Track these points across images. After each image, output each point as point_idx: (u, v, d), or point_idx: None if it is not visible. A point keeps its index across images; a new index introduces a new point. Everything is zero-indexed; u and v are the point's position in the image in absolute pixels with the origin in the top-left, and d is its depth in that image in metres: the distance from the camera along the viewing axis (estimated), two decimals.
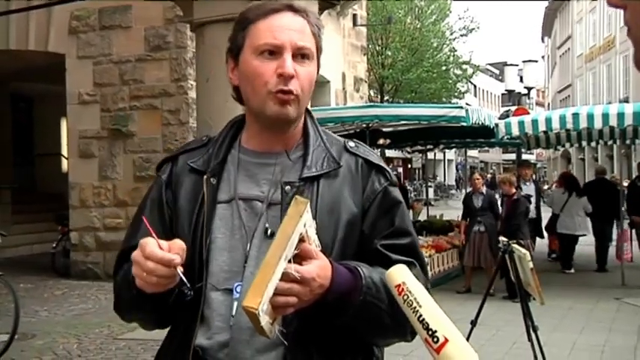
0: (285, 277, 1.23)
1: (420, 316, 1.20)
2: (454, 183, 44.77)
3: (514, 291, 8.16)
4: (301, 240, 1.26)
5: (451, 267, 10.84)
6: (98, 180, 10.98)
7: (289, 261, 1.24)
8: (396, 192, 1.56)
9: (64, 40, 11.14)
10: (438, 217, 13.90)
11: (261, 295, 1.18)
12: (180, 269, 1.30)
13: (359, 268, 1.38)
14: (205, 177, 1.51)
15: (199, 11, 4.03)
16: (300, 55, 1.45)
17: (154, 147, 10.51)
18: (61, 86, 11.29)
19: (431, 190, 29.92)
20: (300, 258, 1.27)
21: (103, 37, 10.88)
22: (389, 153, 22.54)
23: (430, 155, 26.61)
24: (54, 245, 11.60)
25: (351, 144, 1.57)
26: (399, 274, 1.27)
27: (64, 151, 13.34)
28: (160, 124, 10.48)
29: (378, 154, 1.64)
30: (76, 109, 11.13)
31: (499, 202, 9.19)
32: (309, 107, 1.58)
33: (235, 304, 1.40)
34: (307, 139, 1.53)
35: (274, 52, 1.44)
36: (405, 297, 1.23)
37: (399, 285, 1.25)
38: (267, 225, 1.45)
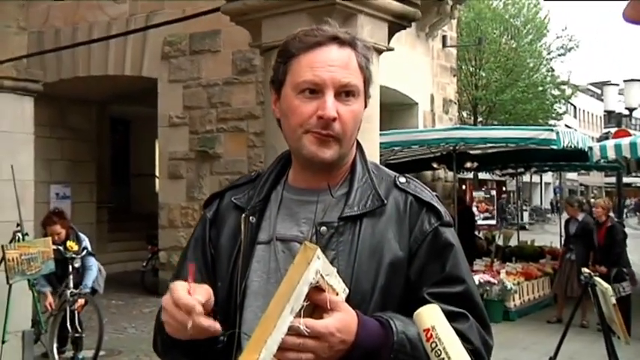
0: (295, 331, 1.12)
1: None
2: (550, 207, 43.07)
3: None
4: (319, 290, 1.14)
5: (542, 295, 10.35)
6: (186, 200, 11.26)
7: (299, 314, 1.12)
8: (448, 233, 1.40)
9: (157, 64, 11.57)
10: (529, 242, 13.36)
11: (258, 351, 1.07)
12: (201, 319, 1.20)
13: (391, 322, 1.24)
14: (244, 215, 1.43)
15: (267, 35, 4.03)
16: (344, 92, 1.35)
17: (239, 168, 10.67)
18: (155, 109, 11.71)
19: (526, 214, 28.91)
20: (321, 310, 1.15)
21: (193, 61, 11.21)
22: (482, 175, 21.98)
23: (526, 178, 25.74)
24: (144, 264, 12.00)
25: (402, 179, 1.44)
26: (429, 316, 1.13)
27: (157, 172, 13.81)
28: (246, 146, 10.64)
29: (431, 192, 1.47)
30: (166, 132, 11.51)
31: (594, 230, 8.62)
32: (359, 140, 1.47)
33: None
34: (354, 174, 1.42)
35: (315, 90, 1.34)
36: (434, 345, 1.09)
37: (428, 329, 1.11)
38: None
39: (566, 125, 27.88)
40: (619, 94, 18.82)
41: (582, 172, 31.59)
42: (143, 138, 16.45)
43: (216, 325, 1.21)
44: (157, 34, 10.85)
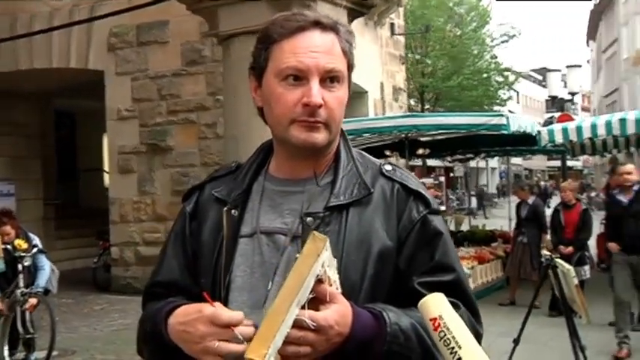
0: (298, 324, 1.08)
1: (460, 359, 1.03)
2: (496, 191, 43.98)
3: (556, 305, 7.87)
4: (319, 281, 1.11)
5: (495, 278, 10.56)
6: (137, 195, 11.06)
7: (303, 306, 1.09)
8: (437, 221, 1.37)
9: (103, 56, 11.30)
10: (480, 227, 13.61)
11: (267, 345, 1.04)
12: None
13: (384, 313, 1.22)
14: (225, 209, 1.38)
15: (225, 24, 3.97)
16: (328, 78, 1.31)
17: (191, 161, 10.54)
18: (102, 102, 11.44)
19: (474, 199, 29.45)
20: (317, 301, 1.12)
21: (140, 53, 10.99)
22: (430, 162, 22.28)
23: (472, 164, 26.23)
24: (95, 260, 11.75)
25: (388, 167, 1.40)
26: (436, 305, 1.10)
27: (106, 166, 13.52)
28: (197, 138, 10.51)
29: (419, 180, 1.45)
30: (115, 125, 11.26)
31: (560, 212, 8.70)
32: (342, 128, 1.42)
33: None
34: (338, 163, 1.38)
35: (299, 77, 1.29)
36: (442, 334, 1.06)
37: (435, 319, 1.08)
38: (297, 255, 1.29)
39: (510, 111, 28.42)
40: (561, 80, 19.31)
41: (527, 156, 32.32)
42: (90, 132, 16.03)
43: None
44: (102, 26, 10.58)
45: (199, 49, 10.46)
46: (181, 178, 10.60)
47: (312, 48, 1.30)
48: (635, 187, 6.83)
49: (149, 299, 1.45)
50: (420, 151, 11.96)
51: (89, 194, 16.01)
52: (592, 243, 8.92)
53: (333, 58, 1.31)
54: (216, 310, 1.17)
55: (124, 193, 11.16)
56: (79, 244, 13.91)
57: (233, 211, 1.38)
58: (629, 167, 7.01)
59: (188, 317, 1.21)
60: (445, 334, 1.06)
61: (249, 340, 1.11)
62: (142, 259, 10.95)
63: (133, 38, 11.07)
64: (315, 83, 1.28)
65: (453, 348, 1.05)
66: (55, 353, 6.66)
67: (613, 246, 6.89)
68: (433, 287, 1.27)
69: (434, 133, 11.28)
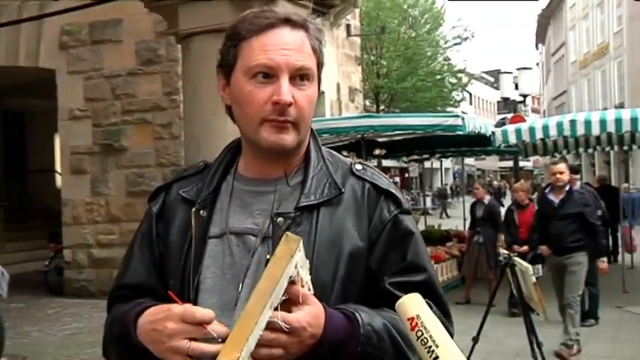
0: (270, 326, 1.07)
1: (436, 358, 1.04)
2: (450, 191, 44.67)
3: (514, 304, 8.01)
4: (292, 282, 1.09)
5: (450, 278, 10.70)
6: (91, 196, 10.84)
7: (276, 308, 1.07)
8: (408, 221, 1.37)
9: (54, 55, 11.03)
10: (436, 227, 13.78)
11: (239, 349, 1.02)
12: None
13: (357, 314, 1.21)
14: (194, 209, 1.36)
15: (184, 22, 3.91)
16: (298, 76, 1.29)
17: (146, 161, 10.39)
18: (53, 101, 11.17)
19: (428, 199, 29.83)
20: (289, 303, 1.10)
21: (94, 51, 10.77)
22: (385, 162, 22.48)
23: (427, 164, 26.54)
24: (46, 263, 11.45)
25: (358, 166, 1.40)
26: (413, 305, 1.10)
27: (58, 167, 13.21)
28: (153, 139, 10.36)
29: (388, 179, 1.44)
30: (67, 125, 11.01)
31: (514, 212, 8.79)
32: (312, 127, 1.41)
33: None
34: (308, 162, 1.37)
35: (269, 74, 1.27)
36: (419, 334, 1.06)
37: (413, 318, 1.08)
38: (268, 257, 1.27)
39: (463, 112, 28.93)
40: (513, 82, 19.70)
41: (480, 156, 32.89)
42: (41, 132, 15.64)
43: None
44: (53, 23, 10.33)
45: (155, 48, 10.32)
46: (137, 179, 10.43)
47: (283, 45, 1.28)
48: (567, 188, 6.75)
49: (115, 302, 1.42)
50: (377, 152, 12.04)
51: (40, 195, 15.61)
52: None
53: (303, 55, 1.30)
54: (188, 307, 1.15)
55: (77, 194, 10.92)
56: (29, 247, 13.53)
57: (202, 211, 1.36)
58: (561, 167, 6.82)
59: (157, 316, 1.18)
60: (422, 334, 1.06)
61: (223, 339, 1.10)
62: (95, 262, 10.74)
63: (85, 37, 10.85)
64: (285, 81, 1.27)
65: (430, 347, 1.05)
66: (4, 359, 6.47)
67: (544, 249, 6.84)
68: (404, 287, 1.27)
69: (390, 133, 11.37)
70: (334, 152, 1.46)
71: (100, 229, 10.78)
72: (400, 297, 1.23)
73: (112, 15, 10.25)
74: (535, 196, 10.63)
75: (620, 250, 12.63)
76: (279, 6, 3.87)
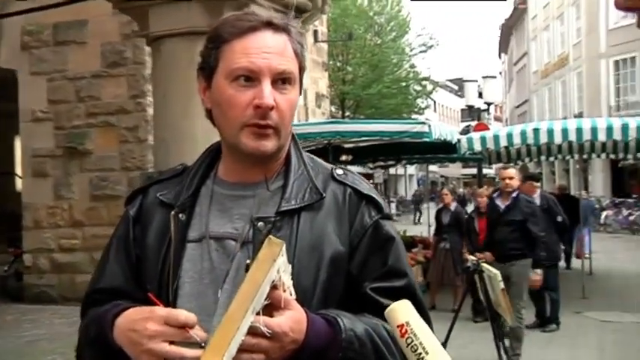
0: (252, 331, 1.06)
1: None
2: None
3: (478, 311, 8.08)
4: (274, 287, 1.08)
5: None
6: (53, 200, 10.62)
7: (258, 313, 1.06)
8: (389, 226, 1.37)
9: (16, 55, 10.80)
10: (401, 233, 13.87)
11: (221, 354, 1.01)
12: None
13: (338, 319, 1.20)
14: (173, 213, 1.34)
15: (155, 24, 3.87)
16: (280, 80, 1.28)
17: (111, 165, 10.23)
18: (13, 103, 10.92)
19: (393, 205, 30.02)
20: (271, 307, 1.09)
21: (58, 52, 10.57)
22: (351, 169, 22.57)
23: (392, 170, 26.73)
24: (5, 268, 11.18)
25: (339, 171, 1.39)
26: (403, 312, 1.10)
27: (18, 170, 12.92)
28: (118, 142, 10.21)
29: (369, 184, 1.44)
30: (29, 127, 10.78)
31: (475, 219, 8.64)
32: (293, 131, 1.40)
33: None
34: (289, 167, 1.36)
35: (251, 78, 1.26)
36: (409, 340, 1.07)
37: (403, 325, 1.09)
38: (248, 262, 1.26)
39: (427, 119, 29.27)
40: (477, 91, 19.96)
41: (443, 163, 33.25)
42: (0, 134, 15.29)
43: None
44: (14, 23, 10.09)
45: (121, 50, 10.18)
46: (100, 182, 10.26)
47: (264, 49, 1.27)
48: (514, 194, 6.60)
49: (90, 306, 1.39)
50: (344, 158, 12.07)
51: None
52: None
53: (285, 59, 1.29)
54: (172, 309, 1.14)
55: (39, 197, 10.69)
56: None
57: (180, 214, 1.34)
58: (511, 172, 6.68)
59: (138, 317, 1.17)
60: (412, 340, 1.07)
61: (205, 344, 1.08)
62: (57, 267, 10.52)
63: (49, 37, 10.65)
64: (267, 85, 1.26)
65: (420, 354, 1.06)
66: None
67: (488, 255, 6.54)
68: (385, 293, 1.28)
69: (357, 139, 11.41)
70: (315, 157, 1.45)
71: (62, 233, 10.57)
72: (381, 302, 1.24)
73: (77, 16, 10.07)
74: None
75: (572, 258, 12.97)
76: (251, 9, 3.87)
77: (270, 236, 1.13)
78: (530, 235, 6.39)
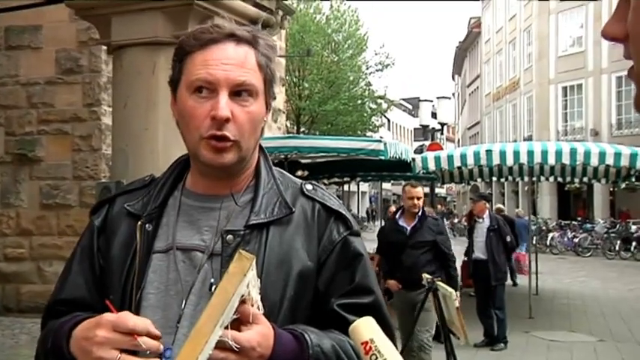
0: (220, 345, 1.06)
1: None
2: (366, 215, 45.30)
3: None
4: (242, 301, 1.09)
5: None
6: (0, 207, 10.33)
7: (226, 327, 1.06)
8: (357, 243, 1.38)
9: None
10: None
11: None
12: None
13: (305, 335, 1.21)
14: (139, 223, 1.33)
15: (118, 33, 3.83)
16: (240, 92, 1.28)
17: (62, 174, 10.01)
18: None
19: None
20: (238, 322, 1.09)
21: (10, 57, 10.33)
22: None
23: (345, 187, 26.86)
24: None
25: (309, 187, 1.40)
26: (367, 329, 1.11)
27: None
28: (70, 150, 10.00)
29: (338, 200, 1.45)
30: None
31: None
32: (261, 143, 1.40)
33: None
34: (259, 181, 1.36)
35: (209, 89, 1.27)
36: (373, 357, 1.07)
37: (367, 342, 1.09)
38: (212, 280, 1.25)
39: (381, 137, 29.61)
40: (431, 111, 20.27)
41: (397, 181, 33.58)
42: None
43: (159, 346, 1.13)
44: None
45: (76, 57, 10.01)
46: (51, 191, 10.02)
47: (224, 60, 1.28)
48: (420, 213, 6.08)
49: (51, 318, 1.36)
50: (299, 173, 12.07)
51: None
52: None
53: (245, 71, 1.29)
54: (122, 314, 1.12)
55: None
56: None
57: (147, 225, 1.34)
58: (419, 191, 6.20)
59: (90, 324, 1.15)
60: (377, 357, 1.07)
61: (152, 352, 1.08)
62: (2, 277, 10.17)
63: (0, 41, 10.41)
64: (223, 96, 1.26)
65: None
66: None
67: (393, 284, 6.03)
68: (352, 309, 1.29)
69: (314, 155, 11.47)
70: (284, 172, 1.46)
71: (8, 242, 10.26)
72: (348, 318, 1.25)
73: (31, 21, 9.86)
74: (449, 222, 10.97)
75: (516, 275, 13.33)
76: (215, 22, 3.87)
77: (241, 250, 1.13)
78: (442, 257, 5.95)
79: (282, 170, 1.47)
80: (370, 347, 1.08)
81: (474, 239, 8.68)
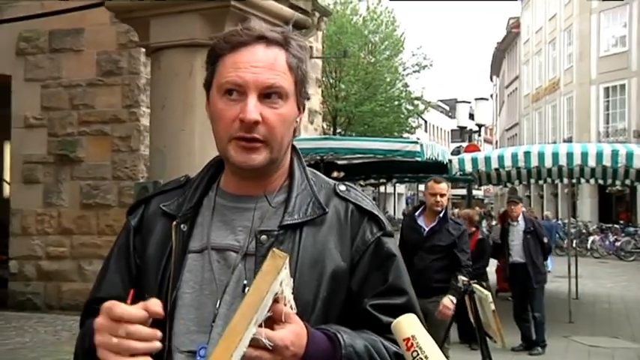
0: (254, 343, 1.06)
1: None
2: (402, 217, 45.10)
3: (467, 335, 7.96)
4: (275, 300, 1.09)
5: None
6: (42, 207, 10.56)
7: (260, 325, 1.06)
8: (390, 243, 1.38)
9: (10, 61, 10.77)
10: None
11: None
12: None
13: (338, 335, 1.21)
14: (175, 223, 1.35)
15: (156, 35, 3.89)
16: (269, 94, 1.28)
17: (102, 174, 10.20)
18: (5, 108, 10.89)
19: None
20: (271, 321, 1.10)
21: (53, 59, 10.57)
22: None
23: (382, 189, 26.81)
24: None
25: (342, 187, 1.40)
26: (409, 326, 1.12)
27: (7, 176, 12.84)
28: (110, 151, 10.19)
29: (371, 200, 1.45)
30: (21, 133, 10.74)
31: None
32: (294, 144, 1.41)
33: None
34: (292, 181, 1.37)
35: (239, 91, 1.27)
36: (415, 354, 1.09)
37: (409, 339, 1.10)
38: (245, 281, 1.26)
39: (418, 139, 29.47)
40: (469, 112, 20.09)
41: None
42: None
43: (157, 334, 1.12)
44: (10, 28, 10.07)
45: (116, 59, 10.19)
46: (91, 191, 10.22)
47: (253, 63, 1.27)
48: (441, 214, 5.48)
49: (88, 316, 1.37)
50: (335, 174, 12.08)
51: None
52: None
53: (274, 73, 1.28)
54: (113, 303, 1.12)
55: (28, 204, 10.63)
56: None
57: (182, 225, 1.35)
58: (444, 187, 5.51)
59: (98, 323, 1.15)
60: (418, 354, 1.08)
61: (138, 338, 1.08)
62: (44, 275, 10.43)
63: (44, 44, 10.65)
64: (252, 99, 1.26)
65: None
66: None
67: None
68: (385, 310, 1.29)
69: (350, 156, 11.45)
70: (318, 172, 1.46)
71: (50, 240, 10.49)
72: (380, 319, 1.26)
73: (74, 24, 10.09)
74: (486, 224, 10.82)
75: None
76: (252, 23, 3.89)
77: (274, 249, 1.13)
78: (456, 264, 5.31)
79: (315, 171, 1.47)
80: (412, 344, 1.10)
81: (509, 242, 8.50)
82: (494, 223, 33.72)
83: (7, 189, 12.90)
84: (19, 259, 10.66)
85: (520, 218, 8.47)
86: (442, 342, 5.07)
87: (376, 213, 1.39)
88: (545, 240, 8.44)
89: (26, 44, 10.69)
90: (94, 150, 10.24)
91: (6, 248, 10.94)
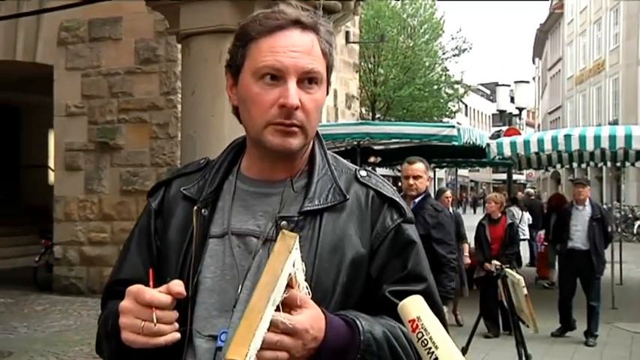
0: (274, 326, 1.06)
1: (436, 359, 1.06)
2: None
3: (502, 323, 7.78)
4: (289, 286, 1.09)
5: None
6: (84, 193, 10.81)
7: (277, 308, 1.06)
8: (411, 230, 1.36)
9: (52, 51, 11.01)
10: None
11: (247, 345, 1.01)
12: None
13: (357, 321, 1.20)
14: (195, 208, 1.34)
15: (186, 22, 3.91)
16: (307, 79, 1.27)
17: (141, 161, 10.37)
18: (49, 97, 11.14)
19: None
20: (287, 307, 1.09)
21: (92, 48, 10.76)
22: (379, 171, 22.55)
23: None
24: (36, 259, 11.40)
25: (363, 173, 1.39)
26: (415, 307, 1.12)
27: (51, 163, 13.16)
28: (148, 138, 10.35)
29: (392, 187, 1.43)
30: (63, 121, 10.99)
31: (486, 227, 7.84)
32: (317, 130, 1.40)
33: (219, 353, 1.23)
34: (313, 166, 1.35)
35: (277, 76, 1.26)
36: (420, 335, 1.08)
37: (414, 320, 1.10)
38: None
39: (458, 123, 29.11)
40: (509, 95, 19.76)
41: (475, 168, 33.00)
42: (36, 127, 15.59)
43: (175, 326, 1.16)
44: (52, 19, 10.33)
45: (154, 47, 10.32)
46: (131, 177, 10.41)
47: (291, 47, 1.26)
48: (419, 198, 4.77)
49: (111, 298, 1.40)
50: (372, 159, 12.04)
51: (32, 191, 15.55)
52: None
53: (312, 58, 1.28)
54: (142, 287, 1.15)
55: (70, 190, 10.89)
56: (20, 242, 13.48)
57: (203, 210, 1.34)
58: (419, 167, 4.76)
59: (123, 306, 1.19)
60: (423, 335, 1.08)
61: (166, 322, 1.12)
62: (86, 260, 10.70)
63: (84, 33, 10.84)
64: (292, 84, 1.25)
65: (430, 348, 1.06)
66: None
67: None
68: (404, 296, 1.26)
69: (386, 141, 11.37)
70: (339, 157, 1.44)
71: (92, 226, 10.74)
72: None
73: (112, 13, 10.25)
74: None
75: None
76: (282, 8, 3.89)
77: (284, 230, 1.14)
78: (434, 259, 4.18)
79: (336, 155, 1.45)
80: (417, 325, 1.10)
81: (570, 227, 7.91)
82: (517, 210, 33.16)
83: (51, 176, 13.23)
84: (63, 244, 10.95)
85: (587, 203, 7.95)
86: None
87: (397, 199, 1.37)
88: (609, 229, 8.00)
89: (67, 34, 10.90)
90: (133, 137, 10.41)
91: (51, 234, 11.24)
